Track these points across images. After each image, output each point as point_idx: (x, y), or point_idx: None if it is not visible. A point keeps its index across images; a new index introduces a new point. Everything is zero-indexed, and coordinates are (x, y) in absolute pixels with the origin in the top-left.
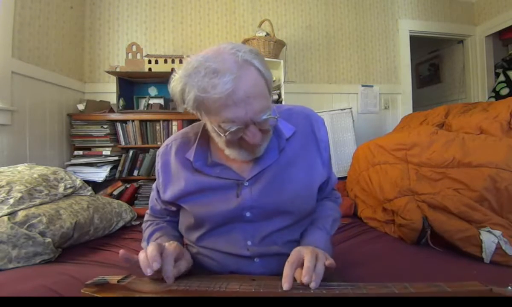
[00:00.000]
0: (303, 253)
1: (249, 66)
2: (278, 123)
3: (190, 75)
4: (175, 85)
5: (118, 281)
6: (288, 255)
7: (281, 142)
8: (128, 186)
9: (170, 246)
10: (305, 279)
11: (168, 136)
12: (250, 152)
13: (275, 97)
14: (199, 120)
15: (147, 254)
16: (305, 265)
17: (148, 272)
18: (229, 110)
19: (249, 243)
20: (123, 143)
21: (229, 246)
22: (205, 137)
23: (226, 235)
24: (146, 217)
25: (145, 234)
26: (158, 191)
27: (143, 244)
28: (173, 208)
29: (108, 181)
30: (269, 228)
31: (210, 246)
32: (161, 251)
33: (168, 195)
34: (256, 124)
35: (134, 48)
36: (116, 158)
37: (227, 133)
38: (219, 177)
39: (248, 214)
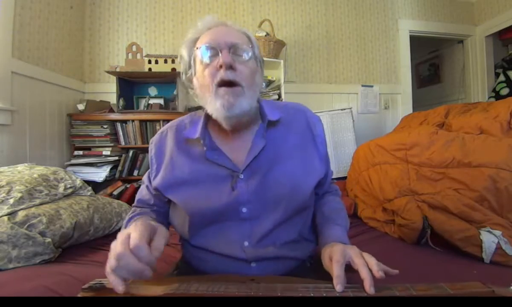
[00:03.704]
0: (350, 254)
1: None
2: (263, 103)
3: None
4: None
5: None
6: (284, 258)
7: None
8: (128, 186)
9: (135, 232)
10: (371, 291)
11: None
12: (226, 100)
13: (275, 97)
14: None
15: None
16: (365, 276)
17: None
18: (209, 33)
19: (246, 244)
20: (123, 143)
21: (225, 247)
22: (205, 121)
23: (221, 235)
24: (131, 210)
25: (125, 221)
26: (150, 180)
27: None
28: (165, 199)
29: (108, 181)
30: (266, 226)
31: (204, 246)
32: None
33: (158, 180)
34: (230, 49)
35: (134, 48)
36: (116, 158)
37: (205, 54)
38: (214, 163)
39: (244, 209)
